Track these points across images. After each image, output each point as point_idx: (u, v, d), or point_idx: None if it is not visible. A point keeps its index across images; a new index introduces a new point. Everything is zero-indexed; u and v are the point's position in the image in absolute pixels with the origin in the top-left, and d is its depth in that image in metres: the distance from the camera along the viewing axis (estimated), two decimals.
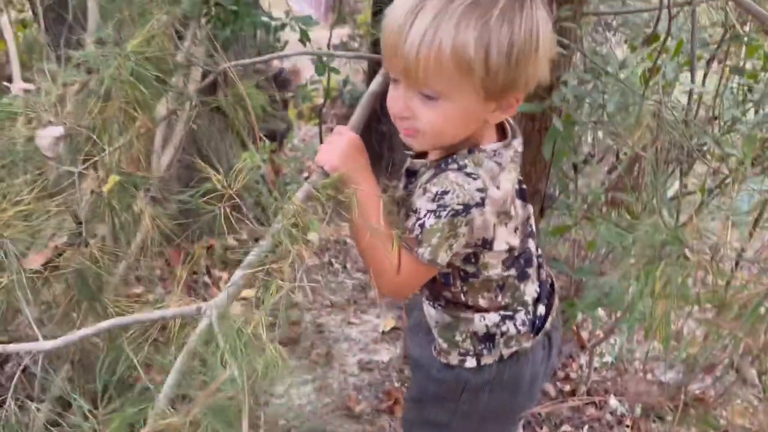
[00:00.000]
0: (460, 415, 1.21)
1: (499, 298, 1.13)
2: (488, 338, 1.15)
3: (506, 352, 1.15)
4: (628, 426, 2.10)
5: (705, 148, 1.70)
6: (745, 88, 1.88)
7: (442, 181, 0.97)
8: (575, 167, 2.07)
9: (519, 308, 1.15)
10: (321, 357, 2.37)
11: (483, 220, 0.99)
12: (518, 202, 1.12)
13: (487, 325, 1.14)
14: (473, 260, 1.08)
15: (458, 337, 1.16)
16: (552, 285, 1.24)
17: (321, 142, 4.07)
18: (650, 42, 1.97)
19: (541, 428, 2.08)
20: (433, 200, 0.97)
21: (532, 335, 1.17)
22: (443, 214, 0.97)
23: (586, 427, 2.09)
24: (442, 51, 0.88)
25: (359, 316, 2.67)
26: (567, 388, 2.26)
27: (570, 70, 1.81)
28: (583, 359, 2.45)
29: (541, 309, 1.18)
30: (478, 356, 1.16)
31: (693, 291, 0.87)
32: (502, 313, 1.14)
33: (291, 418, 2.08)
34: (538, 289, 1.17)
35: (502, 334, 1.14)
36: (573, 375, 2.33)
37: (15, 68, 2.27)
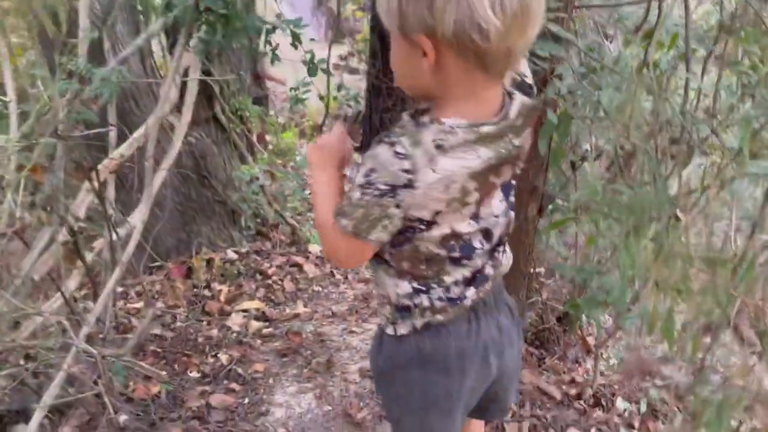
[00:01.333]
0: (403, 405, 1.21)
1: (423, 267, 1.11)
2: (403, 308, 1.15)
3: (419, 323, 1.14)
4: (635, 428, 2.05)
5: (704, 137, 1.68)
6: (744, 78, 1.85)
7: (372, 157, 0.96)
8: (573, 165, 2.05)
9: (434, 285, 1.12)
10: (321, 365, 2.33)
11: (414, 202, 0.97)
12: (498, 195, 1.10)
13: (398, 294, 1.14)
14: (407, 234, 1.06)
15: (381, 308, 1.20)
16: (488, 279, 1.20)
17: None
18: (645, 36, 1.96)
19: None
20: (365, 176, 0.97)
21: (449, 309, 1.14)
22: (368, 192, 0.97)
23: (594, 430, 2.04)
24: None
25: (361, 325, 2.64)
26: (573, 392, 2.21)
27: (565, 64, 1.79)
28: (589, 363, 2.41)
29: (471, 292, 1.14)
30: (394, 324, 1.17)
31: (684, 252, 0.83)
32: (415, 285, 1.13)
33: (291, 427, 2.04)
34: (468, 275, 1.13)
35: (416, 305, 1.14)
36: (579, 379, 2.28)
37: (9, 86, 2.29)
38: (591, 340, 2.55)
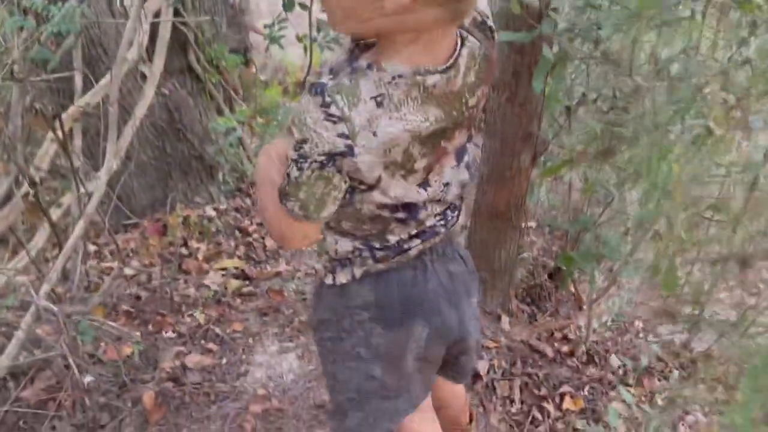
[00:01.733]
0: (343, 356, 1.11)
1: (366, 227, 1.01)
2: (343, 260, 1.07)
3: (359, 272, 1.06)
4: (630, 385, 1.97)
5: (711, 75, 1.56)
6: (750, 16, 1.73)
7: (302, 122, 0.81)
8: (568, 110, 1.93)
9: (375, 243, 1.03)
10: (304, 324, 2.23)
11: (356, 168, 0.85)
12: (450, 162, 0.97)
13: (337, 250, 1.06)
14: (347, 195, 0.94)
15: (319, 257, 1.12)
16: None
17: None
18: None
19: (539, 390, 1.95)
20: (297, 149, 0.84)
21: (391, 259, 1.05)
22: (305, 166, 0.85)
23: (587, 387, 1.96)
24: None
25: None
26: (565, 349, 2.13)
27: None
28: (582, 321, 2.33)
29: (415, 242, 1.05)
30: (332, 273, 1.09)
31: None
32: (357, 244, 1.04)
33: (272, 388, 1.95)
34: (413, 232, 1.04)
35: (356, 257, 1.06)
36: (571, 336, 2.20)
37: None
38: (583, 297, 2.47)
